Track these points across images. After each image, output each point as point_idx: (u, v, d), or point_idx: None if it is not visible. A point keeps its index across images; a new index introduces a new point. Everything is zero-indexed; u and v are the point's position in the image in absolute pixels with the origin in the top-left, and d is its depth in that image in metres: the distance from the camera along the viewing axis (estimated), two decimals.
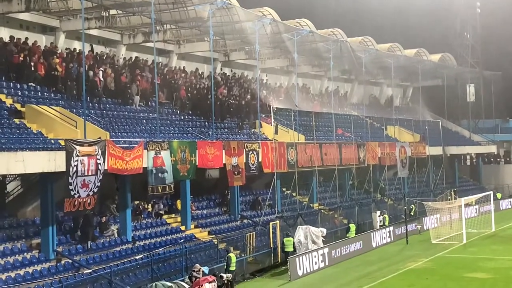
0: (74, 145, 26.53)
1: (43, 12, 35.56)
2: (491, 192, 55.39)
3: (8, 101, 30.75)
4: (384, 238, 44.37)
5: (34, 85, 33.41)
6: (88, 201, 27.37)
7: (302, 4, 77.15)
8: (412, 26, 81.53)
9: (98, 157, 27.69)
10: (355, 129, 56.18)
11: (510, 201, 67.52)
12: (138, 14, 38.09)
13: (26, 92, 32.47)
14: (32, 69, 33.64)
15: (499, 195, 65.20)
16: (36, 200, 28.92)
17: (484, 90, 79.23)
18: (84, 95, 30.54)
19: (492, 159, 79.10)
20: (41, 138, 28.71)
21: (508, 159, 79.91)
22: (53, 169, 26.21)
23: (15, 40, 34.49)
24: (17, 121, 29.49)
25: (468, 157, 79.06)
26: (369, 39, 60.70)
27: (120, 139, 31.54)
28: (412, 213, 50.61)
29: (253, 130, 45.61)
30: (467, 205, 48.97)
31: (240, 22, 42.97)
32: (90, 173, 27.20)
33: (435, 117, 72.49)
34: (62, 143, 27.15)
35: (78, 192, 26.70)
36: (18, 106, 30.81)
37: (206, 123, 41.50)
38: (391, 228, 45.85)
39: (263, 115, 46.92)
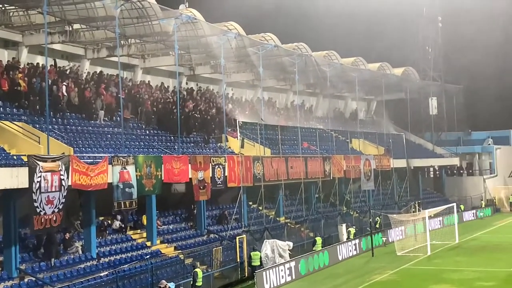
0: (37, 161, 26.01)
1: (5, 26, 35.24)
2: (455, 204, 55.79)
3: None
4: (350, 251, 44.41)
5: None
6: (54, 218, 26.79)
7: (267, 19, 77.43)
8: (375, 41, 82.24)
9: (62, 172, 27.21)
10: (321, 143, 56.26)
11: (473, 213, 68.26)
12: (102, 29, 37.92)
13: None
14: None
15: (462, 207, 65.73)
16: None
17: (446, 103, 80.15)
18: (48, 110, 30.06)
19: (455, 171, 79.87)
20: (3, 154, 28.10)
21: (470, 171, 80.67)
22: (15, 185, 25.67)
23: None
24: None
25: (431, 169, 79.70)
26: (333, 53, 61.13)
27: (85, 154, 31.09)
28: (377, 226, 50.77)
29: (219, 144, 45.40)
30: (431, 217, 49.24)
31: (205, 36, 43.04)
32: (54, 189, 26.71)
33: (398, 130, 73.14)
34: (25, 159, 26.68)
35: (43, 209, 26.18)
36: None
37: (172, 137, 41.19)
38: (357, 241, 45.89)
39: (229, 129, 46.84)
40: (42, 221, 26.16)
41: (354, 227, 48.94)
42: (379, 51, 75.71)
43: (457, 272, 37.03)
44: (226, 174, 39.38)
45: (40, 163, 26.11)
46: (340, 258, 42.57)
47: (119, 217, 34.94)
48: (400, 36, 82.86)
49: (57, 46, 38.86)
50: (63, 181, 27.16)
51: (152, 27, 39.29)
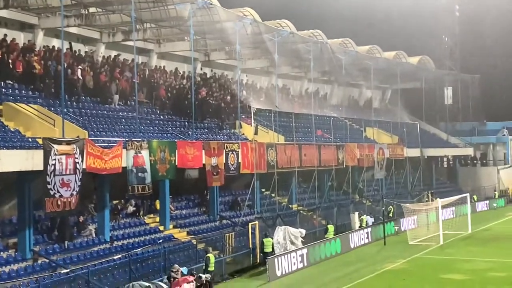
0: (52, 144, 26.15)
1: (22, 9, 35.23)
2: (468, 194, 55.61)
3: None
4: (362, 239, 44.43)
5: (12, 82, 32.93)
6: (71, 201, 27.01)
7: (283, 5, 77.05)
8: (391, 29, 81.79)
9: (76, 156, 27.32)
10: (335, 131, 56.15)
11: (486, 203, 68.04)
12: (118, 12, 37.86)
13: (3, 90, 31.94)
14: (10, 66, 33.18)
15: (475, 197, 65.52)
16: (13, 199, 28.48)
17: (461, 93, 79.72)
18: (63, 94, 30.05)
19: (469, 162, 79.57)
20: (18, 137, 28.30)
21: (484, 161, 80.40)
22: (30, 168, 25.87)
23: None
24: None
25: (445, 159, 79.48)
26: (349, 41, 60.82)
27: (99, 138, 31.20)
28: (390, 214, 50.72)
29: (233, 130, 45.47)
30: (443, 207, 49.14)
31: (220, 22, 42.77)
32: (68, 172, 26.86)
33: (413, 119, 72.90)
34: (40, 141, 26.79)
35: (58, 192, 26.34)
36: None
37: (186, 123, 41.32)
38: (369, 229, 45.90)
39: (243, 116, 46.88)
40: (58, 203, 26.35)
41: (370, 215, 48.76)
42: (395, 40, 75.28)
43: (469, 262, 36.97)
44: (239, 160, 39.46)
45: (55, 146, 26.25)
46: (352, 246, 42.61)
47: (132, 201, 35.20)
48: (417, 25, 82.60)
49: (73, 30, 38.87)
50: (77, 164, 27.29)
51: (168, 12, 39.24)
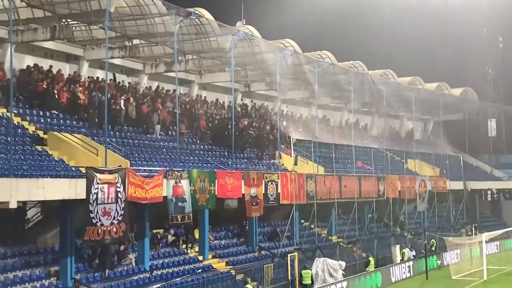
0: (94, 173, 26.55)
1: (68, 41, 35.97)
2: None
3: (31, 128, 31.05)
4: (404, 273, 44.09)
5: (56, 112, 33.68)
6: (115, 230, 27.35)
7: (323, 37, 77.42)
8: (433, 60, 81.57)
9: (118, 185, 27.69)
10: (375, 162, 56.12)
11: None
12: (160, 44, 38.52)
13: (48, 120, 32.75)
14: (56, 96, 33.95)
15: None
16: (56, 227, 28.83)
17: (505, 125, 78.99)
18: (106, 124, 30.54)
19: None
20: (62, 165, 28.87)
21: None
22: (73, 196, 26.19)
23: (39, 68, 34.92)
24: (39, 148, 29.69)
25: (489, 192, 78.41)
26: (390, 72, 61.06)
27: (140, 168, 31.58)
28: (432, 248, 50.25)
29: (272, 161, 45.69)
30: (487, 241, 48.60)
31: (261, 53, 43.34)
32: (110, 201, 27.21)
33: (456, 152, 72.29)
34: (83, 170, 27.22)
35: (100, 220, 26.64)
36: (40, 133, 31.04)
37: (226, 153, 41.66)
38: (411, 263, 45.56)
39: (283, 146, 47.07)
40: (99, 232, 26.57)
41: (411, 248, 48.36)
42: (437, 71, 75.12)
43: None
44: (279, 191, 39.53)
45: (98, 175, 26.64)
46: (393, 280, 42.34)
47: (171, 230, 35.49)
48: (460, 56, 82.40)
49: (116, 61, 39.70)
50: (119, 193, 27.63)
51: (210, 43, 39.91)
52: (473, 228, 56.50)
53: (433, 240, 51.25)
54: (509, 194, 78.24)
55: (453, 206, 64.17)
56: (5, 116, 30.06)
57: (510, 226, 56.70)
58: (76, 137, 31.38)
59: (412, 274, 44.60)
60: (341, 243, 46.26)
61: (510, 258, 49.35)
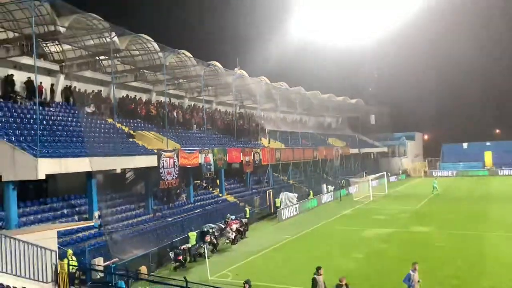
0: (161, 152, 26.49)
1: (143, 81, 35.38)
2: (385, 172, 55.22)
3: (126, 129, 30.63)
4: (328, 199, 44.22)
5: (139, 120, 33.21)
6: (174, 182, 27.35)
7: (283, 71, 75.72)
8: (342, 83, 79.24)
9: (175, 158, 27.58)
10: (312, 140, 56.03)
11: (395, 177, 67.42)
12: (194, 81, 37.97)
13: (134, 124, 32.31)
14: (138, 112, 33.47)
15: (389, 174, 64.87)
16: (142, 182, 28.66)
17: (378, 118, 79.01)
18: (166, 125, 30.47)
19: (385, 155, 78.84)
20: (144, 149, 28.44)
21: (393, 155, 79.58)
22: (150, 165, 26.08)
23: (129, 97, 34.42)
24: (131, 140, 29.35)
25: (372, 154, 78.72)
26: (318, 92, 60.59)
27: (186, 148, 31.22)
28: (343, 185, 50.42)
29: (257, 142, 45.44)
30: (372, 179, 48.80)
31: (249, 84, 43.08)
32: (170, 167, 27.07)
33: (354, 133, 72.39)
34: (155, 151, 26.97)
35: (166, 177, 26.62)
36: (131, 132, 30.63)
37: (232, 139, 41.33)
38: (332, 193, 45.67)
39: (263, 134, 46.87)
40: (166, 183, 26.69)
41: (332, 185, 48.53)
42: (343, 90, 73.55)
43: (387, 209, 36.70)
44: (261, 157, 39.39)
45: (163, 153, 26.56)
46: (323, 202, 42.47)
47: (204, 181, 35.31)
48: (356, 81, 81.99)
49: (170, 91, 38.99)
50: (175, 162, 27.51)
51: (219, 80, 39.53)
52: (364, 173, 56.77)
53: (343, 180, 51.40)
54: (381, 154, 78.45)
55: (353, 162, 64.38)
56: (111, 123, 29.65)
57: (384, 171, 56.88)
58: (151, 134, 31.04)
59: (332, 199, 44.77)
60: (294, 184, 46.33)
61: (384, 188, 49.61)
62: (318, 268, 13.99)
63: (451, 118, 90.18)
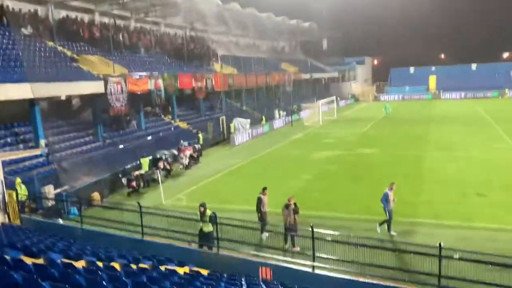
0: (108, 77, 25.46)
1: (85, 1, 32.76)
2: (335, 97, 56.39)
3: (68, 53, 28.84)
4: (280, 124, 45.02)
5: (83, 43, 31.19)
6: (123, 109, 26.71)
7: None
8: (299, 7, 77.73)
9: (122, 84, 26.66)
10: (265, 66, 55.58)
11: (345, 101, 69.15)
12: (140, 0, 35.63)
13: (78, 48, 30.40)
14: (81, 34, 31.39)
15: (339, 98, 66.39)
16: (90, 109, 27.68)
17: (330, 44, 79.01)
18: (112, 49, 29.12)
19: (335, 80, 80.00)
20: (89, 74, 27.19)
21: (343, 80, 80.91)
22: (97, 91, 25.15)
23: (69, 17, 31.99)
24: (75, 64, 27.78)
25: (323, 79, 79.63)
26: (271, 14, 58.91)
27: (135, 73, 30.14)
28: (295, 110, 51.26)
29: (209, 67, 44.52)
30: (323, 104, 49.81)
31: (199, 4, 40.94)
32: (119, 93, 26.24)
33: (307, 58, 72.30)
34: (102, 76, 25.86)
35: (115, 104, 25.87)
36: (75, 56, 28.85)
37: (182, 64, 40.16)
38: (283, 118, 46.42)
39: (215, 59, 45.81)
40: (115, 110, 25.99)
41: (284, 110, 49.16)
42: (298, 14, 72.16)
43: (336, 133, 37.90)
44: (213, 83, 38.84)
45: (110, 78, 25.55)
46: (275, 127, 43.23)
47: (157, 108, 34.66)
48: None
49: (115, 12, 36.38)
50: (123, 88, 26.66)
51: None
52: (315, 98, 57.73)
53: (295, 105, 52.16)
54: (332, 79, 79.52)
55: (305, 87, 65.02)
56: (52, 47, 27.78)
57: (333, 97, 58.06)
58: (96, 58, 29.50)
59: (284, 124, 45.63)
60: (247, 110, 46.54)
61: (333, 113, 50.91)
62: (264, 189, 14.92)
63: (399, 43, 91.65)
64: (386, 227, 14.42)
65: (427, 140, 31.75)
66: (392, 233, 14.25)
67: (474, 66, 79.78)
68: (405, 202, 17.18)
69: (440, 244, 8.91)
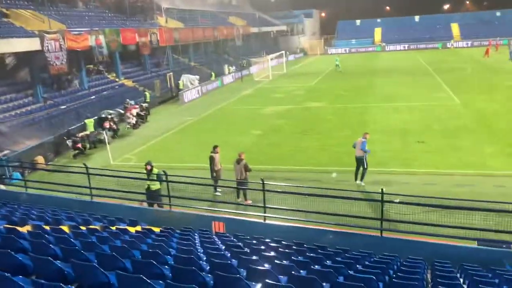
0: (44, 33, 23.87)
1: None
2: (283, 52, 56.25)
3: None
4: (230, 79, 44.60)
5: None
6: (64, 67, 25.39)
7: None
8: None
9: (61, 40, 25.10)
10: (212, 19, 54.06)
11: (294, 56, 69.24)
12: None
13: (8, 1, 27.99)
14: None
15: (288, 52, 66.24)
16: (26, 68, 26.01)
17: None
18: (46, 2, 27.03)
19: (284, 34, 79.52)
20: (22, 31, 25.32)
21: (292, 34, 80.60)
22: (32, 48, 23.62)
23: None
24: (5, 19, 25.69)
25: (272, 33, 78.90)
26: None
27: (73, 29, 28.42)
28: (244, 65, 50.82)
29: (153, 21, 42.68)
30: (272, 59, 49.63)
31: None
32: (57, 50, 24.74)
33: (255, 11, 70.98)
34: (37, 33, 24.20)
35: (55, 62, 24.43)
36: (4, 10, 26.60)
37: (125, 18, 38.21)
38: (233, 74, 45.97)
39: (158, 12, 43.91)
40: (56, 69, 24.69)
41: (233, 66, 48.60)
42: None
43: (285, 88, 38.09)
44: (158, 38, 37.46)
45: (46, 35, 23.97)
46: (225, 83, 42.80)
47: (99, 65, 33.15)
48: None
49: None
50: (62, 45, 25.14)
51: None
52: (264, 53, 57.36)
53: (244, 60, 51.64)
54: (280, 33, 79.03)
55: (254, 41, 64.21)
56: None
57: (282, 51, 57.92)
58: (28, 12, 27.40)
59: (234, 80, 45.25)
60: (196, 66, 45.60)
61: (282, 67, 50.92)
62: (215, 147, 14.65)
63: None
64: (360, 177, 14.60)
65: (372, 92, 32.71)
66: (362, 183, 14.56)
67: (417, 18, 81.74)
68: (350, 153, 17.85)
69: (382, 190, 9.41)
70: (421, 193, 10.82)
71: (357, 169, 14.83)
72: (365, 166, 14.66)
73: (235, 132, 23.06)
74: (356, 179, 14.77)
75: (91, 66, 32.43)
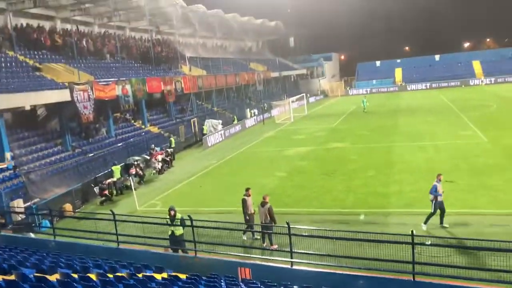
0: (73, 85, 24.85)
1: (44, 7, 32.00)
2: (304, 94, 56.91)
3: (30, 62, 28.05)
4: (252, 122, 45.09)
5: (45, 51, 30.43)
6: (91, 116, 26.18)
7: None
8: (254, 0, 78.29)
9: (89, 91, 26.09)
10: (233, 66, 55.50)
11: (315, 98, 69.89)
12: (103, 5, 35.04)
13: (41, 56, 29.60)
14: (42, 42, 30.59)
15: (308, 95, 67.07)
16: (56, 118, 27.00)
17: (298, 41, 79.75)
18: (76, 56, 28.43)
19: (304, 77, 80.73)
20: (53, 83, 26.53)
21: (312, 76, 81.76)
22: (62, 99, 24.55)
23: (29, 25, 31.12)
24: (38, 73, 27.05)
25: (292, 77, 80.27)
26: (237, 15, 59.00)
27: (101, 80, 29.60)
28: (265, 109, 51.46)
29: (177, 70, 44.12)
30: (293, 101, 50.20)
31: (163, 8, 40.58)
32: (85, 100, 25.68)
33: (274, 56, 72.67)
34: (67, 84, 25.25)
35: (83, 112, 25.32)
36: (37, 64, 28.11)
37: (150, 67, 39.67)
38: (255, 117, 46.55)
39: (183, 61, 45.48)
40: (84, 118, 25.45)
41: (255, 110, 49.31)
42: (263, 13, 72.78)
43: (306, 129, 38.20)
44: (182, 86, 38.54)
45: (76, 86, 24.95)
46: (247, 126, 43.28)
47: (126, 113, 34.15)
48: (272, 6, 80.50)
49: (77, 17, 35.81)
50: (90, 95, 26.08)
51: (130, 3, 36.80)
52: (285, 96, 58.15)
53: (265, 104, 52.37)
54: (301, 76, 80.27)
55: (275, 85, 65.36)
56: (13, 56, 26.95)
57: (302, 93, 58.51)
58: (60, 66, 28.79)
59: (256, 123, 45.75)
60: (218, 111, 46.41)
61: (304, 109, 51.26)
62: (247, 189, 14.38)
63: (365, 38, 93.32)
64: (439, 220, 13.94)
65: (395, 131, 32.45)
66: (445, 225, 13.78)
67: (437, 57, 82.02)
68: (377, 194, 17.51)
69: (412, 232, 9.13)
70: (453, 234, 10.42)
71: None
72: (432, 210, 13.93)
73: (258, 174, 23.05)
74: (426, 222, 13.92)
75: (118, 114, 33.38)
